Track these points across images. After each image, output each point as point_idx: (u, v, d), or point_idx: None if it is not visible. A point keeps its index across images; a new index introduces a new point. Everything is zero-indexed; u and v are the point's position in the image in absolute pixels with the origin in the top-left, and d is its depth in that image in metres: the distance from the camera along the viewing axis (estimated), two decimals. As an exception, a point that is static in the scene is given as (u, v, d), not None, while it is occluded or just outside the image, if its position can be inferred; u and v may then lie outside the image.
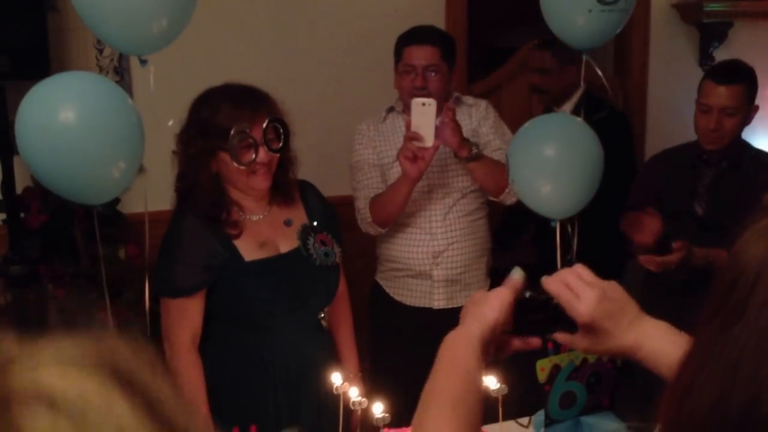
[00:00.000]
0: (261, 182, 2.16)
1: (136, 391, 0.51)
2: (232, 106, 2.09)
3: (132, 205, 2.98)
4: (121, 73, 3.24)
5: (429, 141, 2.54)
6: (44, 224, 2.91)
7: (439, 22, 3.83)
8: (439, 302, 2.85)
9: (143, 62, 2.11)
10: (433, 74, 2.75)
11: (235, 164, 2.09)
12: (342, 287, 2.41)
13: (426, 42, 2.76)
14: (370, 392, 2.24)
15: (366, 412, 1.92)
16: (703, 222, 2.78)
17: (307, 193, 2.36)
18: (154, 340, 2.26)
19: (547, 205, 2.46)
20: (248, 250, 2.18)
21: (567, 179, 2.41)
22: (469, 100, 2.94)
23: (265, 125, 2.10)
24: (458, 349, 1.10)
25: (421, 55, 2.74)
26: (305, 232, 2.27)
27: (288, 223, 2.27)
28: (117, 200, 2.89)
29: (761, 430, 0.55)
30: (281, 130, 2.15)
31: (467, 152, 2.63)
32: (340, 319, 2.45)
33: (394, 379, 2.52)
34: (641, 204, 2.93)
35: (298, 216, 2.30)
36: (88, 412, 0.48)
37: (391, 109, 2.91)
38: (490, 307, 1.14)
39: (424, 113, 2.53)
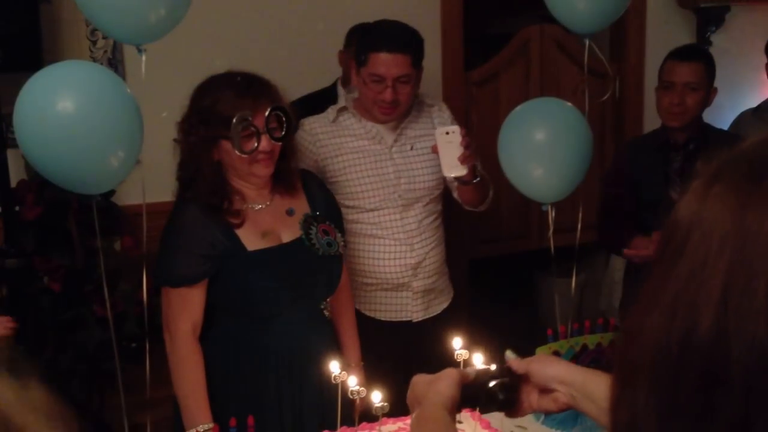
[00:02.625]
0: (263, 170, 2.15)
1: None
2: (234, 95, 2.08)
3: (127, 197, 2.97)
4: (114, 65, 3.22)
5: (459, 170, 2.40)
6: (39, 217, 2.89)
7: (435, 9, 3.82)
8: (417, 314, 2.68)
9: (140, 51, 2.10)
10: (403, 85, 2.52)
11: (237, 153, 2.08)
12: (344, 277, 2.40)
13: (398, 50, 2.48)
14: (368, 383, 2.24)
15: (365, 401, 1.92)
16: None
17: (309, 182, 2.35)
18: (151, 331, 2.25)
19: (539, 188, 2.47)
20: (250, 239, 2.17)
21: (558, 162, 2.42)
22: (426, 99, 2.75)
23: (267, 113, 2.09)
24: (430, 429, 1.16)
25: (391, 65, 2.48)
26: (308, 222, 2.26)
27: (290, 212, 2.26)
28: (111, 192, 2.87)
29: (700, 353, 0.58)
30: (284, 119, 2.14)
31: (471, 177, 2.47)
32: (342, 308, 2.44)
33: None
34: (618, 195, 2.99)
35: (300, 205, 2.29)
36: None
37: (343, 109, 2.65)
38: (445, 384, 1.21)
39: (449, 142, 2.39)
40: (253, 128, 2.08)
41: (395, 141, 2.64)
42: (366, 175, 2.59)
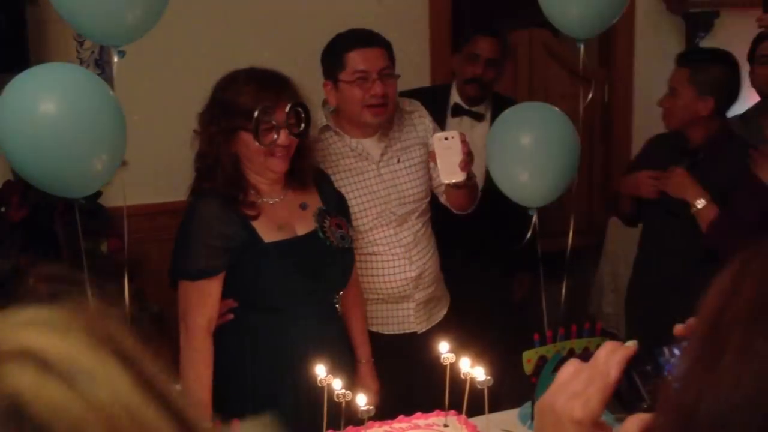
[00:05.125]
0: (278, 165, 2.18)
1: (128, 359, 0.50)
2: (257, 88, 2.13)
3: (114, 199, 2.94)
4: (101, 66, 3.20)
5: (458, 176, 2.34)
6: (25, 219, 2.87)
7: (424, 14, 3.82)
8: (420, 325, 2.63)
9: (120, 53, 2.09)
10: (388, 79, 2.47)
11: (256, 144, 2.11)
12: (354, 272, 2.42)
13: (372, 44, 2.47)
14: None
15: (350, 404, 1.91)
16: (673, 207, 2.80)
17: (321, 179, 2.39)
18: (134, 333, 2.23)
19: (524, 193, 2.47)
20: (267, 231, 2.19)
21: (544, 167, 2.42)
22: (406, 105, 2.69)
23: (288, 109, 2.13)
24: None
25: (371, 58, 2.44)
26: (321, 215, 2.29)
27: (304, 206, 2.29)
28: (99, 193, 2.85)
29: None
30: (303, 115, 2.16)
31: (467, 181, 2.40)
32: (352, 304, 2.46)
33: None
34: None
35: (313, 200, 2.32)
36: (78, 372, 0.47)
37: (325, 128, 2.55)
38: (596, 400, 0.88)
39: (448, 148, 2.32)
40: (273, 121, 2.11)
41: (382, 155, 2.59)
42: (356, 195, 2.54)
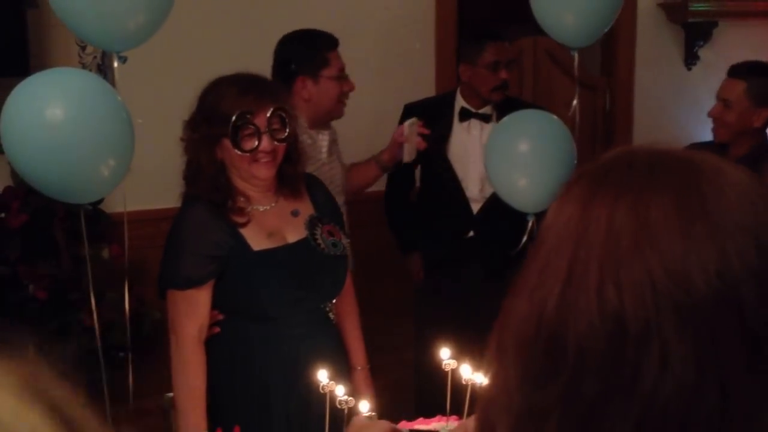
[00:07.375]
0: (263, 171, 2.15)
1: (55, 408, 0.52)
2: (236, 93, 2.09)
3: (115, 204, 2.93)
4: (104, 71, 3.19)
5: (414, 155, 2.83)
6: (25, 225, 2.86)
7: (430, 19, 3.82)
8: None
9: (121, 59, 2.09)
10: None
11: (236, 151, 2.07)
12: (348, 279, 2.40)
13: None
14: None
15: (352, 410, 1.90)
16: None
17: (314, 186, 2.36)
18: (135, 340, 2.22)
19: (523, 198, 2.49)
20: (256, 239, 2.16)
21: (541, 173, 2.45)
22: None
23: (269, 114, 2.09)
24: None
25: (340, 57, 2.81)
26: (313, 223, 2.26)
27: (295, 213, 2.26)
28: (100, 199, 2.85)
29: (548, 325, 0.65)
30: (287, 120, 2.13)
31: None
32: (347, 311, 2.44)
33: None
34: None
35: (305, 208, 2.29)
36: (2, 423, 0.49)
37: None
38: None
39: (412, 133, 2.76)
40: (252, 127, 2.07)
41: (328, 148, 2.77)
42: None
